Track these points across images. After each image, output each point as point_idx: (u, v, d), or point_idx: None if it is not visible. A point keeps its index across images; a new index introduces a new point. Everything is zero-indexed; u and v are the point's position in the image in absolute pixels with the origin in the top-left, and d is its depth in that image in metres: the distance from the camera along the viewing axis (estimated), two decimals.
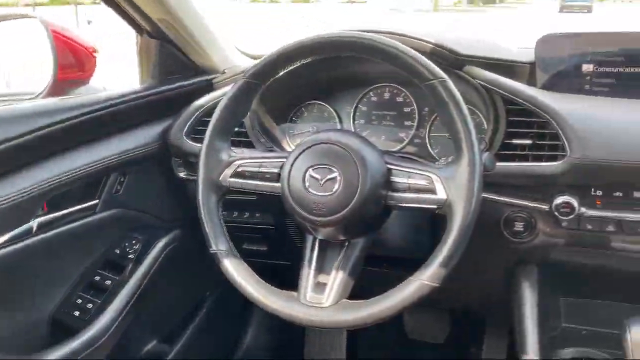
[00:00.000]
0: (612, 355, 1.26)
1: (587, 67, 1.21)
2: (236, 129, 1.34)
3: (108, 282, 1.34)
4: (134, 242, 1.39)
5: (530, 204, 1.15)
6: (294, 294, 1.02)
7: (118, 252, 1.37)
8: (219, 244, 1.06)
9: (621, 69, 1.19)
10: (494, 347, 1.77)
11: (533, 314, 1.23)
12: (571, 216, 1.09)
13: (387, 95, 1.39)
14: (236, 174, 1.09)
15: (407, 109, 1.37)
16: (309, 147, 1.01)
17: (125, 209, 1.37)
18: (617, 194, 1.09)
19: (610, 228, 1.10)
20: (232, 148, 1.12)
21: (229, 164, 1.09)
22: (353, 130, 1.39)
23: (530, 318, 1.23)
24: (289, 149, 1.36)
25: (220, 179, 1.09)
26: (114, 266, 1.37)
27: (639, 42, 1.19)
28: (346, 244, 1.04)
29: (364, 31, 1.02)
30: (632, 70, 1.18)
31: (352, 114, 1.41)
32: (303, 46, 1.03)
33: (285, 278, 1.13)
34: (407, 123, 1.37)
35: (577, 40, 1.22)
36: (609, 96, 1.18)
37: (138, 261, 1.38)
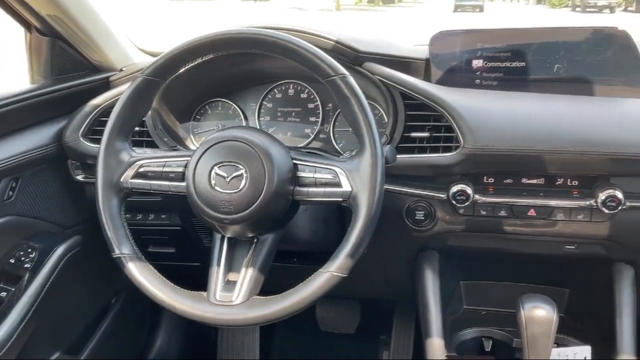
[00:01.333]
0: (510, 333, 1.36)
1: (477, 63, 1.28)
2: (137, 129, 1.30)
3: (3, 294, 1.26)
4: (30, 250, 1.31)
5: (429, 194, 1.20)
6: (203, 294, 1.01)
7: (12, 262, 1.29)
8: (122, 248, 1.03)
9: (507, 64, 1.27)
10: (402, 333, 1.83)
11: (436, 298, 1.30)
12: (467, 203, 1.16)
13: (291, 92, 1.40)
14: (138, 175, 1.05)
15: (311, 105, 1.39)
16: (214, 144, 1.00)
17: (19, 216, 1.29)
18: (507, 180, 1.18)
19: (503, 213, 1.18)
20: (134, 148, 1.09)
21: (130, 164, 1.06)
22: (258, 127, 1.40)
23: (433, 302, 1.29)
24: (193, 148, 1.34)
25: (121, 180, 1.05)
26: (8, 277, 1.29)
27: (523, 38, 1.28)
28: (255, 240, 1.04)
29: (265, 28, 1.03)
30: (517, 64, 1.27)
31: (257, 111, 1.41)
32: (203, 43, 1.02)
33: (196, 279, 1.11)
34: (312, 119, 1.39)
35: (467, 37, 1.29)
36: (498, 89, 1.27)
37: (35, 271, 1.30)
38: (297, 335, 2.05)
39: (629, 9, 25.09)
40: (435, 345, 1.24)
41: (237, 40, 1.01)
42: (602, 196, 1.10)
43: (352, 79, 0.98)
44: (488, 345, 1.36)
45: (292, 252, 1.37)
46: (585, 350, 1.25)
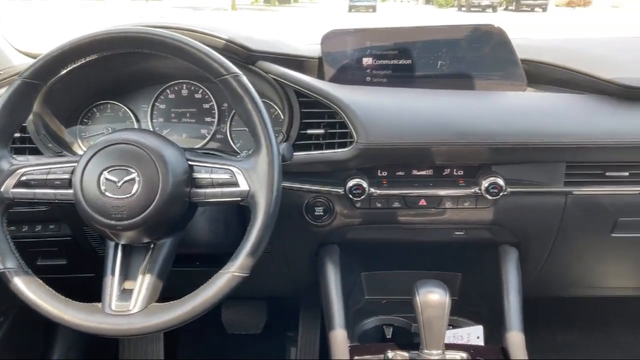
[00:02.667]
0: (408, 318, 1.41)
1: (367, 61, 1.33)
2: (18, 135, 1.22)
3: None
4: None
5: (327, 189, 1.23)
6: (98, 305, 0.97)
7: None
8: (6, 263, 0.97)
9: (395, 61, 1.32)
10: (309, 328, 1.85)
11: (338, 291, 1.33)
12: (363, 197, 1.20)
13: (185, 92, 1.37)
14: (20, 184, 0.99)
15: (206, 105, 1.37)
16: (103, 148, 0.96)
17: None
18: (400, 173, 1.23)
19: (396, 204, 1.23)
20: (15, 156, 1.02)
21: (11, 173, 0.99)
22: (151, 129, 1.36)
23: (335, 295, 1.32)
24: (81, 153, 1.28)
25: (1, 190, 0.99)
26: None
27: (409, 37, 1.33)
28: (152, 246, 1.01)
29: (153, 27, 1.00)
30: (404, 62, 1.33)
31: (149, 113, 1.37)
32: (86, 42, 0.97)
33: (91, 291, 1.06)
34: (207, 119, 1.37)
35: (356, 36, 1.33)
36: (387, 86, 1.32)
37: None
38: (204, 340, 2.02)
39: (510, 8, 26.93)
40: (338, 336, 1.27)
41: (123, 40, 0.98)
42: (485, 184, 1.17)
43: (244, 78, 0.98)
44: (389, 333, 1.41)
45: (193, 255, 1.35)
46: (478, 330, 1.33)
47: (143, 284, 0.98)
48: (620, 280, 1.54)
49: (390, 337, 1.40)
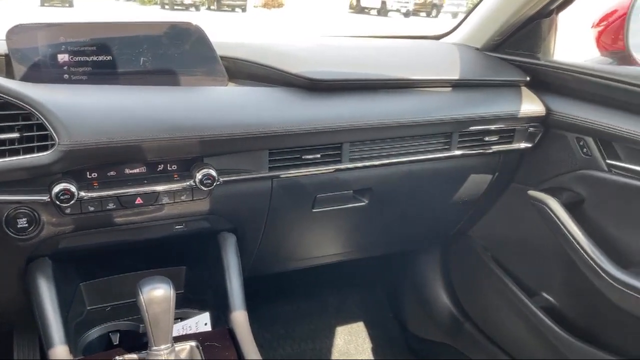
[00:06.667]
0: (135, 320, 1.39)
1: (63, 57, 1.24)
2: None
3: None
4: None
5: (30, 198, 1.12)
6: None
7: None
8: None
9: (95, 58, 1.27)
10: (26, 355, 1.67)
11: (53, 306, 1.23)
12: (72, 202, 1.12)
13: None
14: None
15: None
16: None
17: None
18: (111, 173, 1.18)
19: (111, 205, 1.19)
20: None
21: None
22: None
23: (51, 311, 1.22)
24: None
25: None
26: None
27: (108, 32, 1.29)
28: None
29: None
30: (105, 58, 1.28)
31: None
32: None
33: None
34: None
35: (48, 31, 1.23)
36: (89, 84, 1.25)
37: None
38: None
39: (212, 7, 27.78)
40: (58, 354, 1.18)
41: None
42: (198, 176, 1.21)
43: None
44: (116, 339, 1.36)
45: None
46: (205, 317, 1.38)
47: None
48: (325, 249, 1.76)
49: (117, 343, 1.36)
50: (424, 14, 29.19)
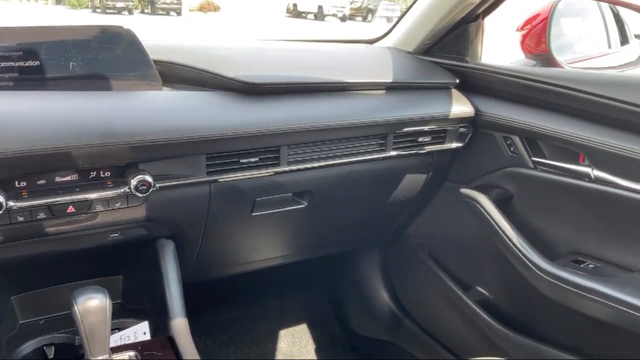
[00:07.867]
0: (71, 332, 1.35)
1: None
2: None
3: None
4: None
5: None
6: None
7: None
8: None
9: (21, 63, 1.22)
10: None
11: None
12: (0, 212, 1.08)
13: None
14: None
15: None
16: None
17: None
18: (41, 181, 1.14)
19: (42, 215, 1.15)
20: None
21: None
22: None
23: None
24: None
25: None
26: None
27: (34, 37, 1.24)
28: None
29: None
30: (32, 63, 1.24)
31: None
32: None
33: None
34: None
35: None
36: (16, 90, 1.21)
37: None
38: None
39: (145, 11, 27.13)
40: None
41: None
42: (133, 182, 1.19)
43: None
44: (51, 352, 1.32)
45: None
46: (144, 326, 1.36)
47: None
48: (266, 252, 1.76)
49: (52, 356, 1.31)
50: (359, 18, 29.61)
